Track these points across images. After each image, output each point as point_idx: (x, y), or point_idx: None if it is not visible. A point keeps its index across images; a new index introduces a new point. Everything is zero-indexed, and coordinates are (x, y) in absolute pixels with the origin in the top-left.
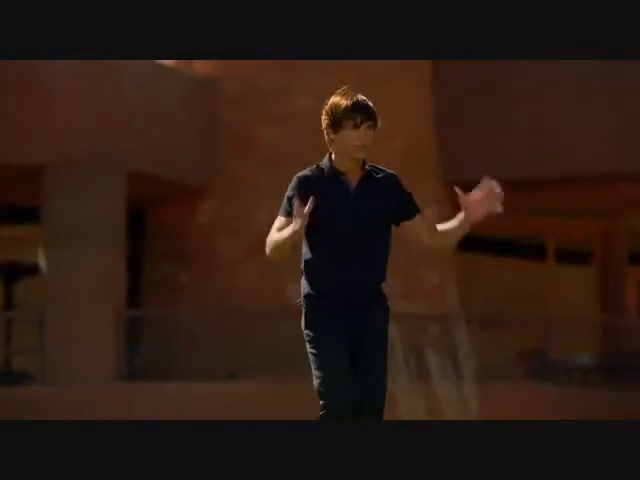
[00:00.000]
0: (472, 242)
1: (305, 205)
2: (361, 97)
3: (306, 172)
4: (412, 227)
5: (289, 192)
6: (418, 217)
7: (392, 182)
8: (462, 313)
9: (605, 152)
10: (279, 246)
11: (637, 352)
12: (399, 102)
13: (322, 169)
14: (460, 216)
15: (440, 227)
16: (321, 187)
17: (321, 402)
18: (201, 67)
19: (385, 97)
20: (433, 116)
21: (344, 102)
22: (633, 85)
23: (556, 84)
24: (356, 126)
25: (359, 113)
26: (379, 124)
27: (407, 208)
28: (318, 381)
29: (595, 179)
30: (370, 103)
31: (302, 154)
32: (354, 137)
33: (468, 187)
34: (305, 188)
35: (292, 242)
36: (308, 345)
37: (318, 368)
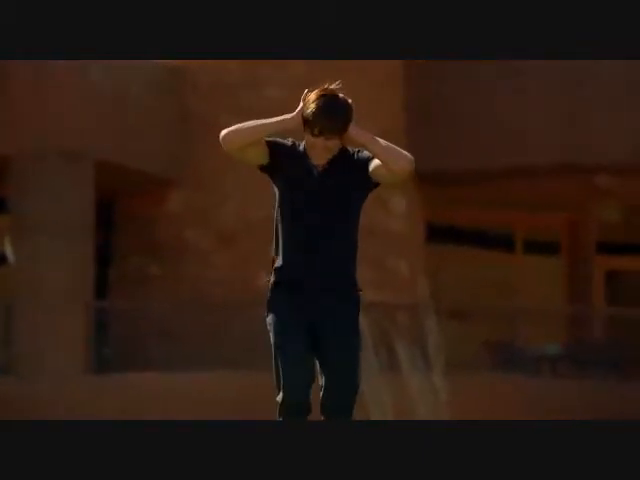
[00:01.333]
0: (441, 233)
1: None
2: (334, 103)
3: (286, 140)
4: (376, 168)
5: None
6: (372, 161)
7: (354, 157)
8: (431, 304)
9: (573, 143)
10: (251, 128)
11: (604, 342)
12: (366, 92)
13: (297, 145)
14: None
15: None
16: (291, 159)
17: (280, 394)
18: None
19: (351, 87)
20: (402, 108)
21: (314, 105)
22: (596, 79)
23: (522, 77)
24: (314, 135)
25: (320, 123)
26: (348, 128)
27: (365, 163)
28: (277, 373)
29: (562, 170)
30: (339, 108)
31: None
32: (311, 144)
33: (437, 178)
34: (284, 144)
35: (274, 130)
36: (269, 332)
37: (278, 359)
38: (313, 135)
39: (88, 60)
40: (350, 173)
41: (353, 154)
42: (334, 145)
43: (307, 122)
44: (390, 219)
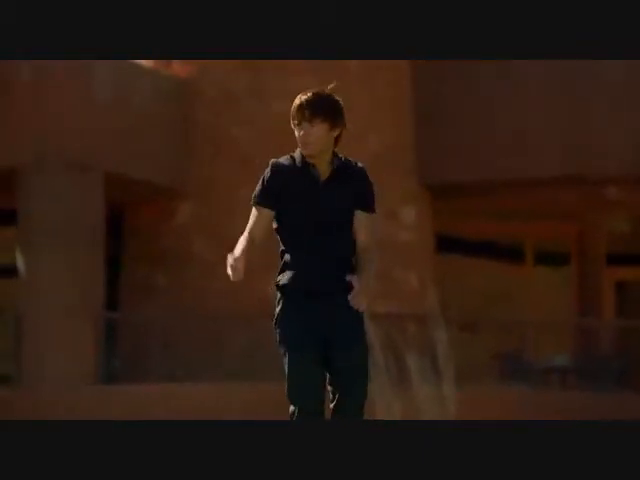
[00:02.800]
0: (451, 244)
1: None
2: (313, 94)
3: (280, 159)
4: (355, 221)
5: (264, 176)
6: (363, 215)
7: (359, 176)
8: (440, 314)
9: (585, 154)
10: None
11: (613, 353)
12: (375, 102)
13: (294, 158)
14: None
15: (361, 264)
16: (291, 175)
17: (291, 406)
18: (178, 69)
19: (361, 97)
20: (411, 116)
21: (295, 102)
22: (596, 79)
23: (530, 86)
24: (298, 124)
25: (300, 111)
26: (332, 117)
27: (360, 201)
28: (288, 384)
29: (570, 181)
30: (320, 97)
31: (278, 156)
32: (297, 136)
33: (445, 189)
34: (276, 174)
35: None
36: (278, 342)
37: (288, 371)
38: (298, 124)
39: (96, 69)
40: (351, 189)
41: (353, 173)
42: (316, 134)
43: (292, 118)
44: (399, 230)
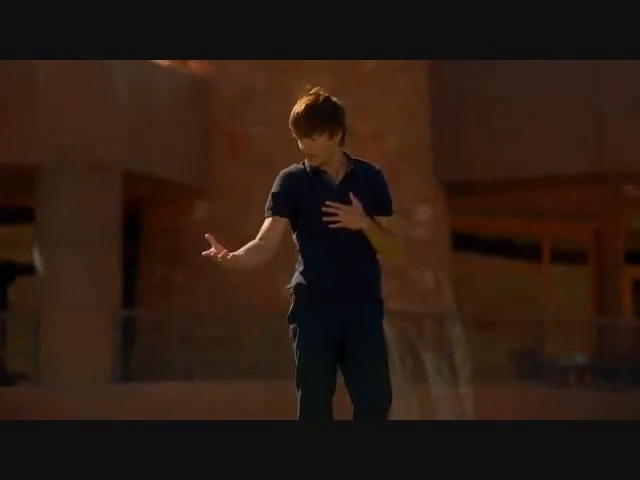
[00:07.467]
0: (468, 242)
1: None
2: (306, 107)
3: (290, 168)
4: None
5: (273, 188)
6: (384, 219)
7: (375, 179)
8: (457, 313)
9: (603, 152)
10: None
11: (631, 353)
12: (392, 102)
13: (305, 165)
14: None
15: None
16: (303, 183)
17: (299, 405)
18: (196, 67)
19: (378, 97)
20: (428, 116)
21: (291, 114)
22: (620, 85)
23: (547, 85)
24: (299, 139)
25: (295, 127)
26: (330, 126)
27: (379, 206)
28: (297, 383)
29: (589, 179)
30: (313, 110)
31: (296, 156)
32: (301, 148)
33: (462, 187)
34: (287, 184)
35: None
36: (292, 341)
37: (299, 371)
38: (299, 138)
39: (114, 68)
40: (367, 191)
41: (369, 176)
42: (318, 146)
43: (291, 130)
44: (416, 228)
